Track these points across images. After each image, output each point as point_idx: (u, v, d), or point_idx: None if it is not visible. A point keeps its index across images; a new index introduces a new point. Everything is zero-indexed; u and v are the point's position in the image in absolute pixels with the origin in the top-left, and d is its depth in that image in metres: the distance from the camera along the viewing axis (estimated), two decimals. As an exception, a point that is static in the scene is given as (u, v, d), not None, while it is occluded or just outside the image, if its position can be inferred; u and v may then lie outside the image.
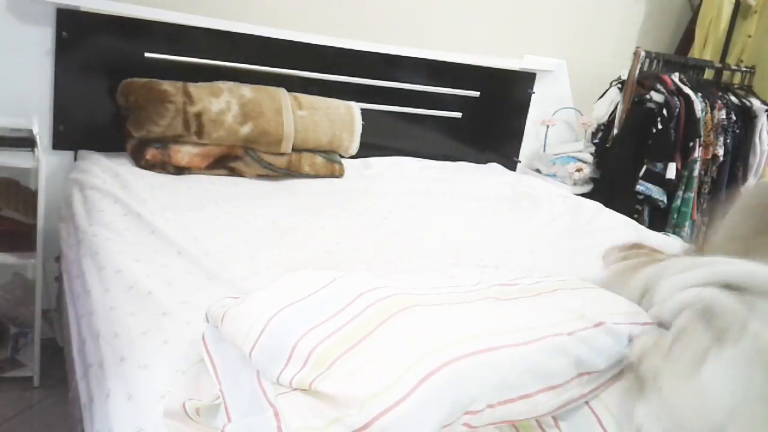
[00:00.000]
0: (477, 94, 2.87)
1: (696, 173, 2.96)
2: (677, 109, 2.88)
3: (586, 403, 0.91)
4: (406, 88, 2.70)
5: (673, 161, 2.87)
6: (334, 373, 0.80)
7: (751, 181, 3.18)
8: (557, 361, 0.90)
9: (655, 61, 3.02)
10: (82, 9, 2.08)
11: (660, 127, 2.87)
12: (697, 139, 2.92)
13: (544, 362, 0.89)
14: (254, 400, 0.85)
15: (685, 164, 2.94)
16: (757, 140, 3.14)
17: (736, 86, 3.26)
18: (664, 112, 2.87)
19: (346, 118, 2.37)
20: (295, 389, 0.82)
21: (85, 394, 1.15)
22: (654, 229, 2.42)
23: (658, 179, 2.89)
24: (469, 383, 0.80)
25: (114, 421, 0.96)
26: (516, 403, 0.83)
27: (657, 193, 2.90)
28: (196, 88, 2.12)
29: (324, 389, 0.79)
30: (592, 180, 3.07)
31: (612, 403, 0.92)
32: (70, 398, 1.45)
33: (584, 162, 3.04)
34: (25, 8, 2.03)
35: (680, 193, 2.97)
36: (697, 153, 2.93)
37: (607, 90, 3.12)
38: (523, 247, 1.89)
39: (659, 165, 2.89)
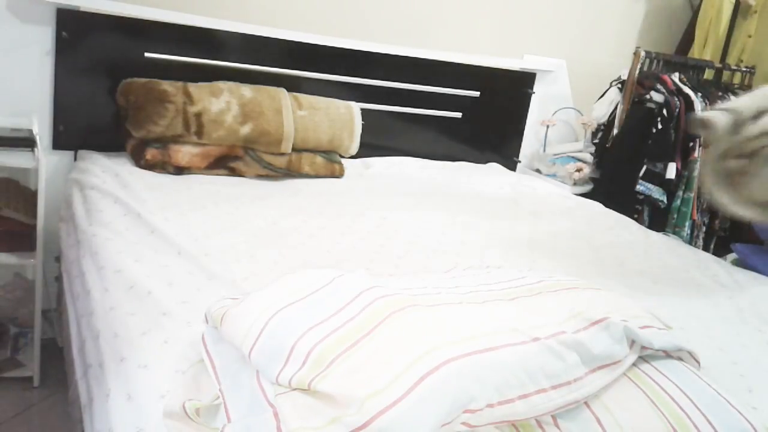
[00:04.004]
0: (477, 94, 2.88)
1: (696, 173, 2.96)
2: (677, 109, 2.88)
3: (585, 402, 0.91)
4: (406, 88, 2.70)
5: (673, 161, 2.87)
6: (333, 373, 0.81)
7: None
8: (558, 360, 0.90)
9: (655, 61, 3.02)
10: (82, 9, 2.08)
11: (660, 127, 2.87)
12: (698, 139, 2.92)
13: (544, 362, 0.89)
14: (254, 400, 0.85)
15: (686, 164, 2.94)
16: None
17: (736, 86, 3.26)
18: (664, 112, 2.87)
19: (346, 118, 2.38)
20: (295, 389, 0.83)
21: (85, 394, 1.15)
22: (654, 229, 2.42)
23: (658, 179, 2.89)
24: (468, 382, 0.80)
25: (114, 421, 0.96)
26: (515, 403, 0.84)
27: (657, 193, 2.90)
28: (196, 88, 2.12)
29: (323, 388, 0.79)
30: (592, 180, 3.07)
31: (611, 402, 0.92)
32: (70, 398, 1.45)
33: (584, 162, 3.04)
34: (25, 8, 2.03)
35: (680, 193, 2.97)
36: (698, 153, 2.93)
37: (607, 90, 3.12)
38: (523, 247, 1.90)
39: (659, 165, 2.89)
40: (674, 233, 2.93)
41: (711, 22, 3.35)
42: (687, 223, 3.00)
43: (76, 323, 1.36)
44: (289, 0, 2.50)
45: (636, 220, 2.58)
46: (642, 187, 2.90)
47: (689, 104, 2.90)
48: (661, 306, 1.54)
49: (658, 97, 2.90)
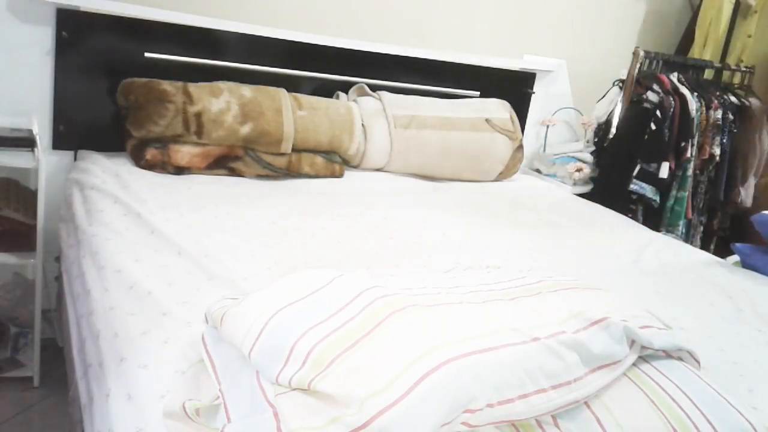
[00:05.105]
0: (477, 94, 2.88)
1: (690, 172, 2.96)
2: (671, 109, 2.88)
3: (585, 402, 0.91)
4: (406, 87, 2.69)
5: (666, 161, 2.88)
6: (333, 372, 0.81)
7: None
8: (558, 360, 0.90)
9: (655, 61, 3.02)
10: (82, 9, 2.08)
11: (654, 127, 2.87)
12: (691, 139, 2.92)
13: (544, 362, 0.89)
14: (254, 400, 0.85)
15: (679, 163, 2.94)
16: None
17: (735, 86, 3.26)
18: (658, 112, 2.87)
19: (346, 118, 2.37)
20: (295, 389, 0.83)
21: (84, 394, 1.15)
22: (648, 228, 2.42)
23: (652, 178, 2.89)
24: (468, 382, 0.80)
25: (114, 421, 0.96)
26: (515, 403, 0.84)
27: (650, 192, 2.90)
28: (196, 88, 2.12)
29: (323, 388, 0.79)
30: (592, 180, 3.07)
31: (611, 402, 0.92)
32: (70, 398, 1.45)
33: (584, 162, 3.04)
34: (25, 8, 2.03)
35: (674, 192, 2.98)
36: (690, 153, 2.93)
37: (609, 89, 3.12)
38: (523, 247, 1.90)
39: (653, 164, 2.90)
40: (668, 232, 2.94)
41: (711, 22, 3.35)
42: (681, 222, 3.00)
43: (76, 323, 1.36)
44: (289, 0, 2.50)
45: (630, 218, 2.58)
46: (636, 186, 2.90)
47: (684, 104, 2.90)
48: (661, 306, 1.54)
49: (653, 96, 2.90)
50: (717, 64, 3.23)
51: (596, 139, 3.12)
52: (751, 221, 2.05)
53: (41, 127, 2.11)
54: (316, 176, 2.31)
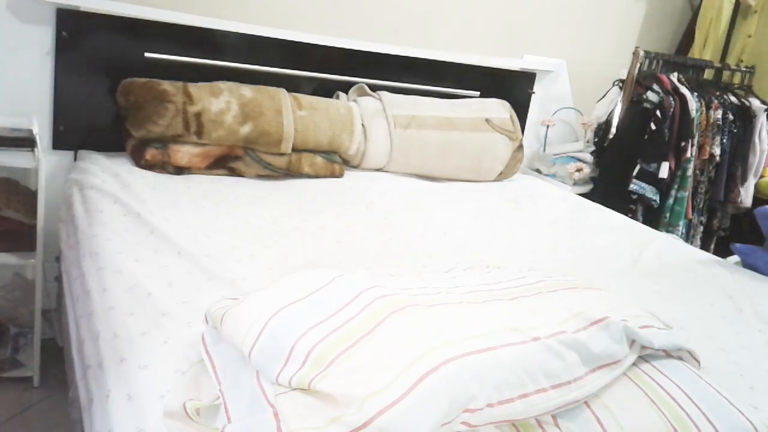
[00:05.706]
0: (477, 94, 2.88)
1: (690, 173, 2.96)
2: (671, 109, 2.88)
3: (586, 402, 0.91)
4: (406, 87, 2.70)
5: (666, 161, 2.88)
6: (333, 372, 0.81)
7: (751, 180, 3.18)
8: (558, 360, 0.90)
9: (655, 61, 3.02)
10: (82, 9, 2.08)
11: (654, 127, 2.87)
12: (691, 139, 2.92)
13: (544, 362, 0.89)
14: (254, 400, 0.85)
15: (679, 163, 2.94)
16: (756, 140, 3.14)
17: (735, 86, 3.26)
18: (658, 112, 2.87)
19: (346, 118, 2.37)
20: (295, 389, 0.83)
21: (84, 395, 1.15)
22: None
23: (651, 178, 2.90)
24: (467, 382, 0.80)
25: (114, 422, 0.96)
26: (515, 403, 0.84)
27: (650, 192, 2.90)
28: (196, 88, 2.12)
29: (323, 388, 0.79)
30: (592, 180, 3.08)
31: (611, 402, 0.92)
32: (70, 398, 1.45)
33: (584, 162, 3.04)
34: (25, 8, 2.03)
35: (674, 192, 2.98)
36: (690, 152, 2.93)
37: (609, 89, 3.13)
38: (524, 247, 1.90)
39: (653, 164, 2.90)
40: (667, 232, 2.94)
41: (711, 22, 3.35)
42: (681, 222, 3.00)
43: (75, 323, 1.36)
44: (288, 0, 2.50)
45: (630, 218, 2.58)
46: (636, 186, 2.90)
47: (684, 104, 2.90)
48: (661, 306, 1.54)
49: (653, 96, 2.90)
50: (717, 64, 3.23)
51: (596, 139, 3.12)
52: (753, 214, 2.06)
53: (41, 127, 2.11)
54: (316, 176, 2.31)
